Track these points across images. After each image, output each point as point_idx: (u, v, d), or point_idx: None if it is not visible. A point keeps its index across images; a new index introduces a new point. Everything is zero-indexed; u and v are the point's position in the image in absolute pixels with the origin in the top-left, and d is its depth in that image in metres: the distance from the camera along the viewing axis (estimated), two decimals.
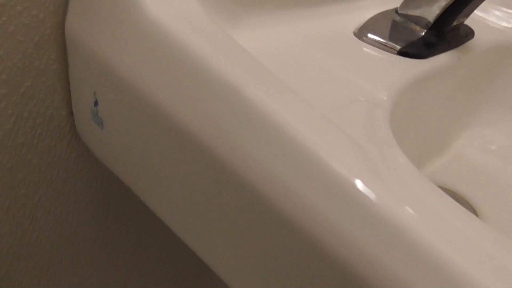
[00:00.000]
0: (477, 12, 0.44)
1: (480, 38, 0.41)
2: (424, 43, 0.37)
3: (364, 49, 0.37)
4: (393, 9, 0.40)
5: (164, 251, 0.61)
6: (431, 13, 0.37)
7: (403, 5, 0.39)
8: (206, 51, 0.27)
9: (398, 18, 0.39)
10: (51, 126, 0.40)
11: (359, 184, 0.22)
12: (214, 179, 0.27)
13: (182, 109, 0.28)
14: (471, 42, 0.40)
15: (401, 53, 0.36)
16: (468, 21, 0.39)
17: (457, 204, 0.22)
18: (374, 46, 0.37)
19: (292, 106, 0.25)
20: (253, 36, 0.35)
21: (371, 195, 0.21)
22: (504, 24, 0.44)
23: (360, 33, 0.38)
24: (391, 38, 0.37)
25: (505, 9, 0.46)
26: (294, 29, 0.37)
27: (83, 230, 0.49)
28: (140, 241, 0.57)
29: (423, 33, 0.38)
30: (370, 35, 0.38)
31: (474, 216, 0.22)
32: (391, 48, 0.36)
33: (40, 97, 0.38)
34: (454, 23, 0.37)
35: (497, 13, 0.45)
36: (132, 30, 0.29)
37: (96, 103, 0.35)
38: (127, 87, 0.31)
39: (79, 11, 0.34)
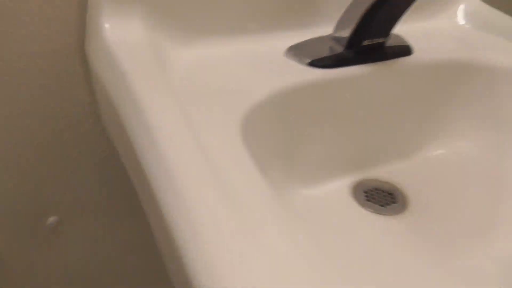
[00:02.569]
0: None
1: (419, 56, 0.45)
2: (337, 58, 0.41)
3: (280, 62, 0.41)
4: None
5: None
6: (346, 34, 0.41)
7: (334, 29, 0.43)
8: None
9: (327, 40, 0.43)
10: None
11: None
12: None
13: None
14: (404, 59, 0.44)
15: (310, 64, 0.40)
16: None
17: None
18: (291, 59, 0.41)
19: None
20: (199, 53, 0.40)
21: None
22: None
23: (287, 51, 0.42)
24: (308, 54, 0.41)
25: None
26: (235, 49, 0.41)
27: None
28: None
29: (342, 50, 0.42)
30: (291, 52, 0.42)
31: None
32: (303, 61, 0.41)
33: None
34: (367, 43, 0.42)
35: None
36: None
37: None
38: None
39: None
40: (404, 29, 0.47)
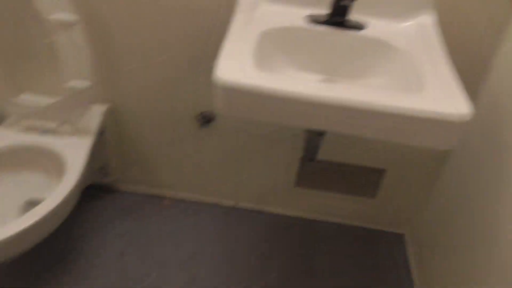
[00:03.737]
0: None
1: (363, 33, 1.02)
2: (320, 21, 1.01)
3: (299, 18, 1.02)
4: None
5: None
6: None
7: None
8: None
9: (323, 15, 1.03)
10: None
11: None
12: None
13: None
14: (354, 31, 1.01)
15: (309, 21, 1.01)
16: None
17: None
18: (306, 19, 1.02)
19: None
20: (269, 8, 1.06)
21: None
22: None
23: (306, 15, 1.03)
24: (311, 19, 1.02)
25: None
26: (285, 9, 1.05)
27: None
28: None
29: (325, 20, 1.01)
30: (307, 16, 1.03)
31: None
32: (307, 20, 1.02)
33: None
34: (334, 20, 1.00)
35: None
36: None
37: None
38: None
39: None
40: (378, 23, 1.04)
